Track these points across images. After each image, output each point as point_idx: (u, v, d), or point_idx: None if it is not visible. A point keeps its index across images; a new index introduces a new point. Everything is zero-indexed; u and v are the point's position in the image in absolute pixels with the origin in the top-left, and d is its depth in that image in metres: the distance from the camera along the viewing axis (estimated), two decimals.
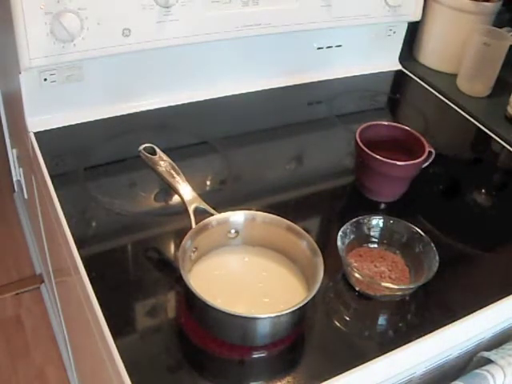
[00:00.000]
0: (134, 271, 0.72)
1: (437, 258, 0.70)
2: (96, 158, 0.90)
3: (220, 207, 0.73)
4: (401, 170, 0.83)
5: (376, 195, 0.86)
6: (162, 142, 0.80)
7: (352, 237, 0.74)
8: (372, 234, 0.76)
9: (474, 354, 0.75)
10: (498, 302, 0.73)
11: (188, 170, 0.77)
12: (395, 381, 0.70)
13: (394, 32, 1.21)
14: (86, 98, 0.95)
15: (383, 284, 0.70)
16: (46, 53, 0.84)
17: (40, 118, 0.92)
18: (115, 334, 0.63)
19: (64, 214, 0.77)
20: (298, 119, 1.07)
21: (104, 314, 0.65)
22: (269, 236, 0.72)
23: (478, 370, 0.71)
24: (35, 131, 0.92)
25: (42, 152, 0.87)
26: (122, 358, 0.60)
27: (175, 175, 0.75)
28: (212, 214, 0.71)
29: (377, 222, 0.75)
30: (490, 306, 0.72)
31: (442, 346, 0.70)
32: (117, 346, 0.61)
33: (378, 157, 0.81)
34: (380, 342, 0.66)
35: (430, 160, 0.84)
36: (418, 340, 0.66)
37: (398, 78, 1.24)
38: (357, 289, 0.71)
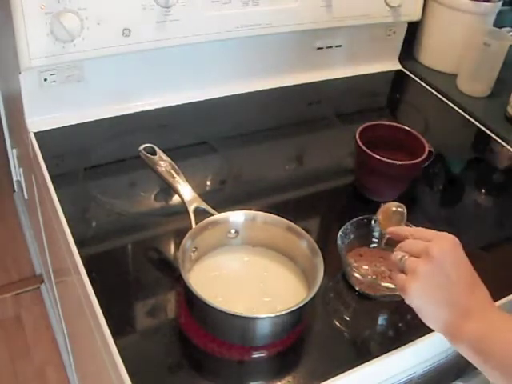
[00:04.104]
0: (134, 271, 0.72)
1: None
2: (96, 158, 0.90)
3: (220, 207, 0.73)
4: (401, 170, 0.83)
5: (376, 195, 0.86)
6: (162, 142, 0.80)
7: (352, 237, 0.74)
8: (372, 233, 0.76)
9: None
10: (498, 302, 0.73)
11: (188, 170, 0.77)
12: (395, 381, 0.70)
13: (394, 32, 1.21)
14: (86, 98, 0.95)
15: (383, 284, 0.70)
16: (46, 53, 0.84)
17: (40, 118, 0.92)
18: (115, 334, 0.63)
19: (64, 213, 0.77)
20: (298, 119, 1.07)
21: (104, 314, 0.65)
22: (269, 236, 0.72)
23: (478, 370, 0.71)
24: (35, 131, 0.92)
25: (42, 152, 0.87)
26: (122, 358, 0.60)
27: (175, 175, 0.75)
28: (212, 214, 0.71)
29: (377, 221, 0.75)
30: None
31: (442, 345, 0.70)
32: (117, 346, 0.61)
33: (377, 157, 0.81)
34: (380, 342, 0.66)
35: (430, 160, 0.84)
36: (418, 340, 0.66)
37: (398, 78, 1.24)
38: (357, 289, 0.71)
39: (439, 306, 0.57)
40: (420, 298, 0.58)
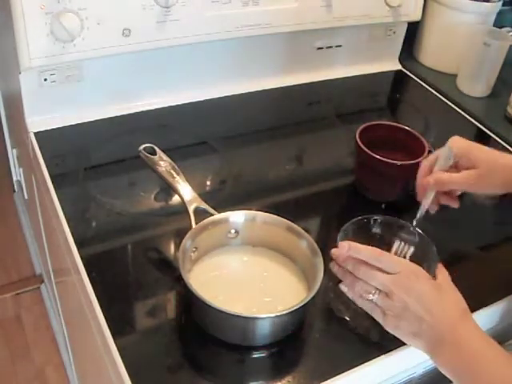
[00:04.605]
0: (134, 271, 0.72)
1: (437, 258, 0.69)
2: (96, 158, 0.90)
3: (220, 207, 0.73)
4: (401, 170, 0.83)
5: (376, 195, 0.86)
6: (162, 142, 0.80)
7: (353, 236, 0.74)
8: (372, 233, 0.76)
9: None
10: (498, 302, 0.73)
11: (188, 170, 0.77)
12: (395, 381, 0.70)
13: (394, 32, 1.21)
14: (86, 98, 0.95)
15: None
16: (46, 53, 0.84)
17: (40, 118, 0.92)
18: (115, 334, 0.63)
19: (64, 213, 0.77)
20: (298, 119, 1.07)
21: (104, 314, 0.65)
22: (269, 236, 0.72)
23: None
24: (35, 131, 0.92)
25: (42, 152, 0.88)
26: (122, 358, 0.60)
27: (175, 175, 0.75)
28: (212, 214, 0.71)
29: (377, 221, 0.75)
30: (490, 305, 0.72)
31: None
32: (117, 346, 0.61)
33: (377, 157, 0.81)
34: (380, 341, 0.66)
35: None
36: None
37: (398, 78, 1.24)
38: None
39: (414, 338, 0.61)
40: (397, 333, 0.62)
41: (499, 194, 0.73)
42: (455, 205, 0.75)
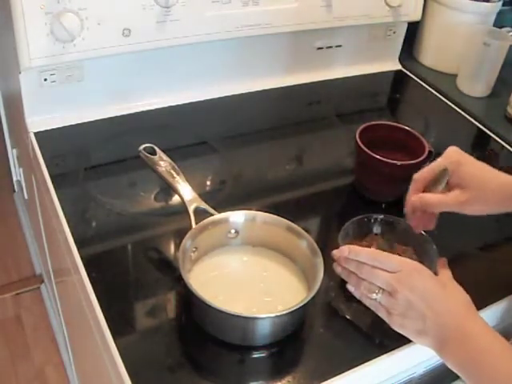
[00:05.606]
0: (134, 271, 0.72)
1: (437, 257, 0.69)
2: (96, 158, 0.90)
3: (220, 207, 0.73)
4: (401, 170, 0.83)
5: (376, 195, 0.86)
6: (162, 142, 0.80)
7: (353, 235, 0.74)
8: (373, 233, 0.76)
9: None
10: (498, 302, 0.73)
11: (188, 170, 0.77)
12: (395, 381, 0.70)
13: (394, 32, 1.21)
14: (86, 98, 0.95)
15: None
16: (46, 53, 0.84)
17: (40, 118, 0.92)
18: (115, 334, 0.63)
19: (64, 214, 0.77)
20: (298, 119, 1.07)
21: (104, 314, 0.65)
22: (269, 236, 0.72)
23: None
24: (35, 131, 0.92)
25: (42, 152, 0.87)
26: (122, 358, 0.60)
27: (175, 175, 0.75)
28: (212, 214, 0.71)
29: (377, 221, 0.75)
30: (490, 305, 0.72)
31: None
32: (117, 346, 0.61)
33: (378, 157, 0.81)
34: (380, 342, 0.66)
35: (430, 160, 0.84)
36: None
37: (398, 78, 1.24)
38: None
39: (420, 336, 0.61)
40: (404, 332, 0.62)
41: (495, 213, 0.71)
42: (430, 227, 0.74)
